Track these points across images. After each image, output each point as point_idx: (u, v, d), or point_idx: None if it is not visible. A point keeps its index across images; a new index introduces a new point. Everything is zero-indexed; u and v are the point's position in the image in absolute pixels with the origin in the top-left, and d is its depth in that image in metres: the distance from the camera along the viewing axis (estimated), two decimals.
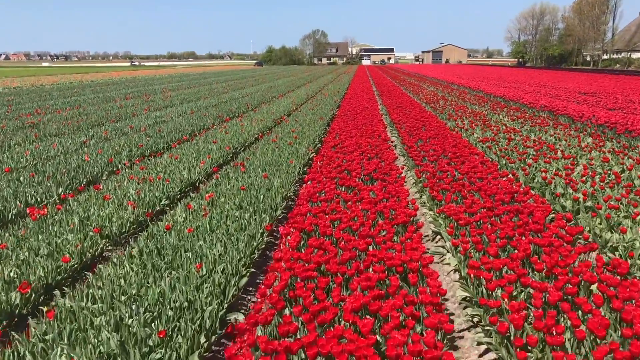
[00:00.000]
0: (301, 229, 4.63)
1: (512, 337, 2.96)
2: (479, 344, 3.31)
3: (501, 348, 3.04)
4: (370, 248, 4.18)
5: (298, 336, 2.94)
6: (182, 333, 3.05)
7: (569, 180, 6.21)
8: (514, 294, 3.46)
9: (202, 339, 3.10)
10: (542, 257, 3.91)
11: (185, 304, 3.37)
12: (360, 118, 12.68)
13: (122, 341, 2.94)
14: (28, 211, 5.51)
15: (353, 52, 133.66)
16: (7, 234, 4.86)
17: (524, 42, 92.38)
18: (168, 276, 3.85)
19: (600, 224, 5.12)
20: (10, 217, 5.54)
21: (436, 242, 5.31)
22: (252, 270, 4.33)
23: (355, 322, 2.94)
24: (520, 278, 3.47)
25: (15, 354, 2.91)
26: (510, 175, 6.95)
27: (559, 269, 3.61)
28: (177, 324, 3.15)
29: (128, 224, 5.26)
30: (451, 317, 3.70)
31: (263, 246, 4.84)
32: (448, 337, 3.27)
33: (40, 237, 4.69)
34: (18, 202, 5.84)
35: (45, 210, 5.50)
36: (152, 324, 3.14)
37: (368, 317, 3.09)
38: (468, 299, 3.84)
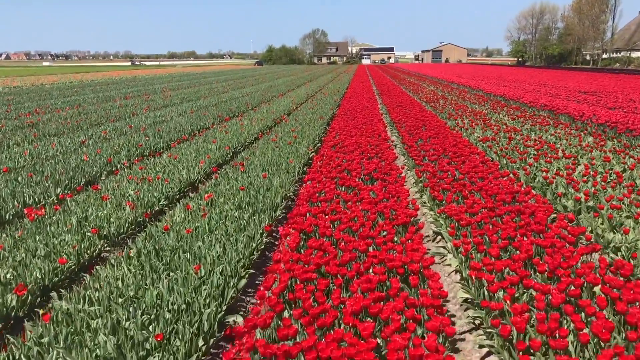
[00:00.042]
0: (301, 229, 4.58)
1: (514, 341, 2.91)
2: (481, 346, 3.27)
3: (503, 351, 3.00)
4: (371, 249, 4.14)
5: (297, 339, 2.90)
6: (180, 336, 3.01)
7: (570, 180, 6.17)
8: (516, 295, 3.43)
9: (200, 342, 3.06)
10: (544, 258, 3.87)
11: (183, 306, 3.33)
12: (360, 117, 12.63)
13: (118, 344, 2.89)
14: (25, 212, 5.47)
15: (353, 52, 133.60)
16: (4, 235, 4.81)
17: (524, 41, 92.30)
18: (166, 278, 3.81)
19: (602, 224, 5.08)
20: (7, 217, 5.50)
21: (437, 242, 5.26)
22: (251, 271, 4.29)
23: (355, 325, 2.90)
24: (523, 280, 3.43)
25: (11, 357, 2.87)
26: (511, 175, 6.91)
27: (561, 271, 3.57)
28: (175, 326, 3.11)
29: (126, 225, 5.21)
30: (452, 319, 3.66)
31: (262, 247, 4.80)
32: (449, 339, 3.23)
33: (37, 238, 4.65)
34: (16, 203, 5.80)
35: (43, 210, 5.46)
36: (150, 327, 3.10)
37: (368, 319, 3.06)
38: (469, 300, 3.79)
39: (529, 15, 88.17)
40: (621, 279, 3.45)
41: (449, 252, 4.71)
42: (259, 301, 3.65)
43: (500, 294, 3.43)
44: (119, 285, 3.71)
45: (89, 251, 4.56)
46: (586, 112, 12.73)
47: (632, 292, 3.16)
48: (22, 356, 2.86)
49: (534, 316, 3.13)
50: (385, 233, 4.46)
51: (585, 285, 3.46)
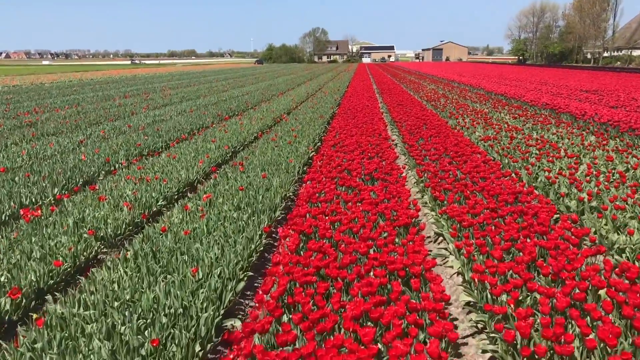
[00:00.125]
0: (300, 231, 4.51)
1: (519, 346, 2.84)
2: (484, 351, 3.20)
3: (507, 356, 2.93)
4: (371, 251, 4.07)
5: (297, 345, 2.83)
6: (177, 342, 2.94)
7: (573, 180, 6.09)
8: (520, 299, 3.35)
9: (197, 348, 2.99)
10: (548, 260, 3.80)
11: (180, 310, 3.26)
12: (361, 116, 12.55)
13: (113, 350, 2.83)
14: (22, 212, 5.40)
15: (353, 50, 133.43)
16: None
17: (525, 39, 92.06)
18: (163, 281, 3.74)
19: (606, 225, 5.01)
20: (3, 218, 5.43)
21: (438, 243, 5.19)
22: (250, 273, 4.22)
23: (356, 330, 2.83)
24: (527, 283, 3.36)
25: None
26: (513, 175, 6.83)
27: (565, 273, 3.50)
28: (172, 331, 3.04)
29: (124, 226, 5.14)
30: (455, 323, 3.59)
31: (261, 248, 4.73)
32: (452, 344, 3.16)
33: (33, 239, 4.58)
34: (12, 203, 5.73)
35: (39, 211, 5.38)
36: (145, 332, 3.03)
37: (369, 324, 2.99)
38: (472, 303, 3.73)
39: (529, 14, 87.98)
40: (627, 282, 3.38)
41: (450, 253, 4.64)
42: (257, 304, 3.59)
43: (504, 297, 3.36)
44: (115, 288, 3.64)
45: (85, 253, 4.49)
46: (588, 111, 12.65)
47: (638, 295, 3.09)
48: None
49: (538, 320, 3.07)
50: (386, 234, 4.39)
51: (590, 288, 3.39)
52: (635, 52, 66.90)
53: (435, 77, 35.82)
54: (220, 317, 3.39)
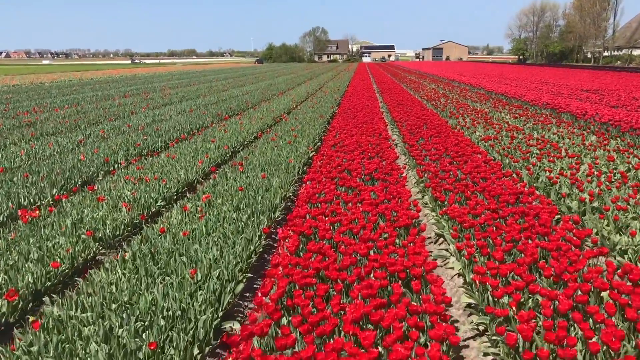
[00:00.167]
0: (300, 232, 4.47)
1: (521, 350, 2.81)
2: (486, 354, 3.17)
3: None
4: (372, 252, 4.03)
5: (296, 349, 2.79)
6: (174, 344, 2.91)
7: (574, 180, 6.06)
8: (521, 301, 3.32)
9: (196, 351, 2.96)
10: (549, 262, 3.76)
11: (179, 312, 3.23)
12: (361, 116, 12.52)
13: (110, 353, 2.80)
14: (19, 213, 5.36)
15: (353, 50, 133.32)
16: None
17: (525, 39, 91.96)
18: (161, 282, 3.71)
19: (607, 225, 4.97)
20: (1, 219, 5.40)
21: (439, 244, 5.16)
22: (249, 275, 4.19)
23: (356, 333, 2.80)
24: (529, 285, 3.32)
25: None
26: (514, 175, 6.80)
27: (568, 275, 3.46)
28: (170, 334, 3.01)
29: (122, 227, 5.11)
30: (456, 325, 3.56)
31: (261, 249, 4.69)
32: (453, 348, 3.12)
33: (31, 240, 4.55)
34: (10, 204, 5.70)
35: (37, 212, 5.35)
36: (143, 335, 3.00)
37: (369, 327, 2.96)
38: (473, 305, 3.69)
39: (530, 13, 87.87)
40: (629, 284, 3.34)
41: (451, 254, 4.61)
42: (256, 306, 3.55)
43: (506, 299, 3.32)
44: (112, 290, 3.61)
45: (83, 254, 4.46)
46: (589, 110, 12.61)
47: None
48: None
49: (540, 323, 3.03)
50: (386, 235, 4.36)
51: (592, 290, 3.36)
52: (636, 52, 66.81)
53: (436, 76, 35.78)
54: (219, 319, 3.35)
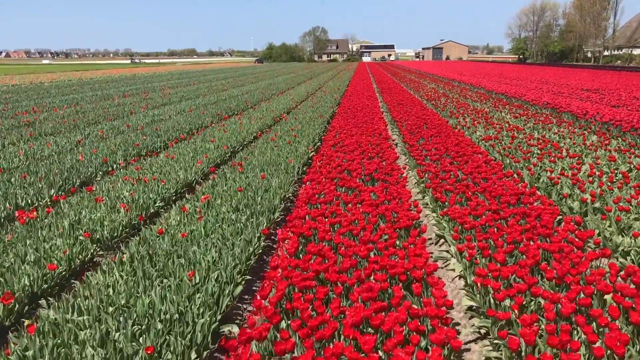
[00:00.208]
0: (299, 233, 4.43)
1: (523, 354, 2.77)
2: (487, 359, 3.12)
3: None
4: (372, 254, 3.99)
5: (295, 354, 2.75)
6: (172, 349, 2.87)
7: (575, 181, 6.01)
8: (524, 303, 3.28)
9: (193, 355, 2.92)
10: (552, 264, 3.72)
11: (176, 315, 3.18)
12: (361, 116, 12.47)
13: (107, 358, 2.75)
14: (17, 214, 5.32)
15: (353, 49, 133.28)
16: None
17: (525, 38, 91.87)
18: (159, 285, 3.66)
19: (609, 226, 4.93)
20: None
21: (440, 245, 5.12)
22: (248, 277, 4.14)
23: (356, 337, 2.75)
24: (531, 288, 3.28)
25: None
26: (515, 175, 6.75)
27: (570, 278, 3.42)
28: (167, 338, 2.97)
29: (120, 228, 5.06)
30: (457, 328, 3.51)
31: (260, 251, 4.65)
32: (454, 352, 3.08)
33: (27, 242, 4.50)
34: (7, 205, 5.65)
35: (35, 213, 5.31)
36: (140, 339, 2.96)
37: (370, 330, 2.91)
38: (474, 308, 3.65)
39: (529, 12, 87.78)
40: (633, 286, 3.30)
41: (452, 256, 4.56)
42: (255, 309, 3.51)
43: (507, 302, 3.28)
44: (109, 292, 3.57)
45: (80, 256, 4.41)
46: (589, 110, 12.56)
47: None
48: None
49: (543, 327, 2.99)
50: (386, 237, 4.32)
51: (595, 293, 3.31)
52: (636, 51, 66.75)
53: (436, 76, 35.73)
54: (217, 322, 3.31)
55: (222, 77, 38.30)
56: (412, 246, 4.06)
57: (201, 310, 3.27)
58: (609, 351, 2.68)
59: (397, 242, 4.33)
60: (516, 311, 3.14)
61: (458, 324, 3.64)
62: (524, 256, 3.90)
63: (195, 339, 3.01)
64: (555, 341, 2.65)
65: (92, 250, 4.61)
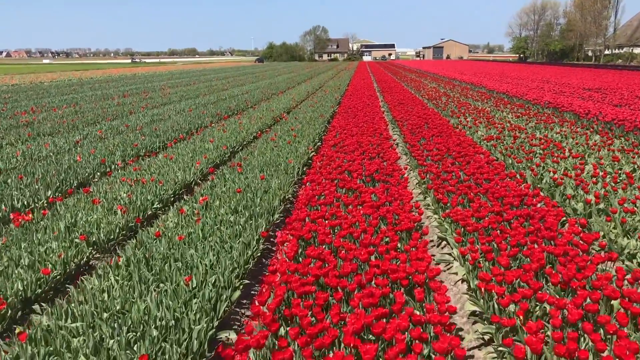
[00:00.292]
0: (299, 236, 4.34)
1: None
2: None
3: None
4: (373, 258, 3.90)
5: None
6: (167, 357, 2.78)
7: (579, 181, 5.92)
8: (529, 309, 3.19)
9: None
10: (557, 267, 3.63)
11: (172, 322, 3.10)
12: (361, 115, 12.38)
13: None
14: (12, 217, 5.24)
15: (354, 48, 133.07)
16: None
17: (525, 37, 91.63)
18: (155, 290, 3.58)
19: (614, 228, 4.84)
20: None
21: (442, 247, 5.03)
22: (246, 281, 4.06)
23: (356, 346, 2.67)
24: (536, 293, 3.19)
25: None
26: (517, 176, 6.67)
27: (576, 282, 3.33)
28: (162, 345, 2.88)
29: (117, 230, 4.98)
30: (460, 334, 3.43)
31: (259, 254, 4.56)
32: None
33: (22, 245, 4.42)
34: (3, 207, 5.57)
35: (30, 215, 5.22)
36: (135, 346, 2.87)
37: (371, 337, 2.83)
38: (478, 313, 3.56)
39: (530, 11, 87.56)
40: None
41: (455, 259, 4.48)
42: (253, 315, 3.43)
43: (512, 307, 3.19)
44: (104, 298, 3.48)
45: (76, 259, 4.32)
46: (592, 109, 12.46)
47: None
48: None
49: (549, 333, 2.91)
50: (388, 240, 4.23)
51: (602, 298, 3.23)
52: (637, 50, 66.56)
53: (436, 75, 35.62)
54: (214, 329, 3.22)
55: (222, 76, 38.20)
56: (414, 249, 3.98)
57: (198, 316, 3.18)
58: None
59: (399, 245, 4.25)
60: (521, 317, 3.05)
61: (461, 329, 3.55)
62: (529, 259, 3.81)
63: (191, 347, 2.93)
64: (563, 350, 2.56)
65: (87, 254, 4.52)
